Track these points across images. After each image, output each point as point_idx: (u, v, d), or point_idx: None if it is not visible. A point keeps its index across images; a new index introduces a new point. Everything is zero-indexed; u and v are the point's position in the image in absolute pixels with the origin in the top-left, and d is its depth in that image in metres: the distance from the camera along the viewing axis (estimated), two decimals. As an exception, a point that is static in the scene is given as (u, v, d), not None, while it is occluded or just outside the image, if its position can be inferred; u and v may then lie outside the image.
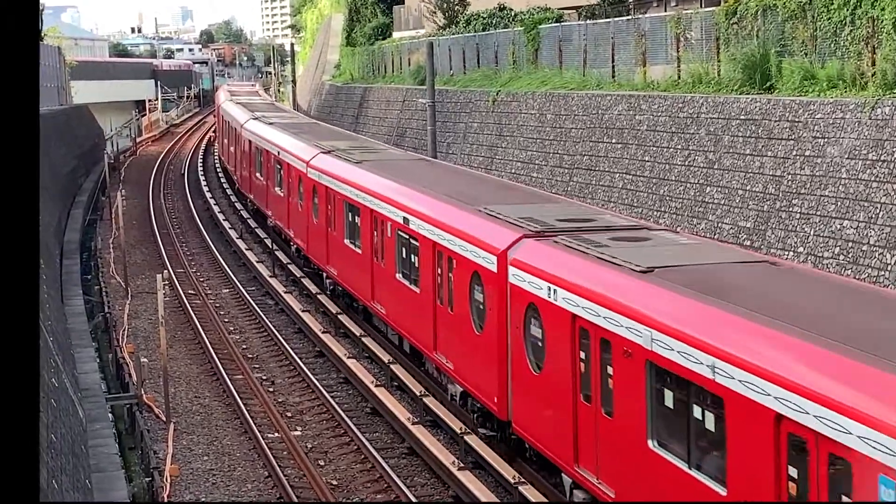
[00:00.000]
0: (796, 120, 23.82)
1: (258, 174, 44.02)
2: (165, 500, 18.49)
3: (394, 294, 24.46)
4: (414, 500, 19.16)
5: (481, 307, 19.21)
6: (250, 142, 47.08)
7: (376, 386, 24.52)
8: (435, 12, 57.16)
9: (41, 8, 70.73)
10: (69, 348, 23.56)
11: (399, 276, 23.93)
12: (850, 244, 21.15)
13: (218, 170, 70.27)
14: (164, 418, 22.92)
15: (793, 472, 11.08)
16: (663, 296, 13.98)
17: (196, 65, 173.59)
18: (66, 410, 16.46)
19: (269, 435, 22.90)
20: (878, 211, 20.83)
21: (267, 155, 41.56)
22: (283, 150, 38.14)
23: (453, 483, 19.18)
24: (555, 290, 16.26)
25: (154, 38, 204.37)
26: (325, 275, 31.83)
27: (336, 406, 24.15)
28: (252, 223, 48.10)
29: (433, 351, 22.00)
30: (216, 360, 28.03)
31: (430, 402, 23.03)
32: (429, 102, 38.78)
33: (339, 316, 30.65)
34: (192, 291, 36.30)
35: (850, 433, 10.18)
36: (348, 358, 26.79)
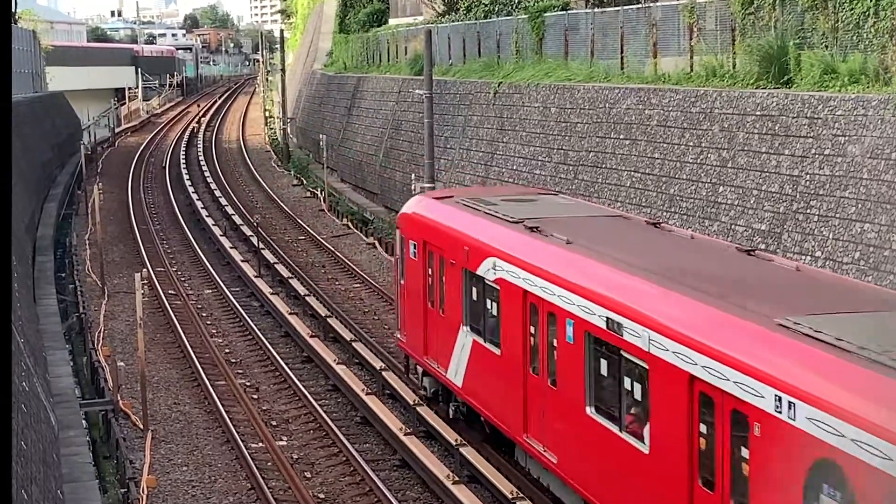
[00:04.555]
0: (815, 116, 23.84)
1: None
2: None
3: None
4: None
5: None
6: None
7: (367, 394, 24.53)
8: (434, -2, 57.21)
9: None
10: (41, 351, 23.56)
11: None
12: (872, 249, 21.17)
13: (201, 161, 70.27)
14: (141, 426, 22.92)
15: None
16: None
17: (179, 51, 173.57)
18: (37, 416, 16.47)
19: (253, 445, 22.90)
20: (901, 214, 20.85)
21: None
22: None
23: (448, 498, 19.20)
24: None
25: (135, 23, 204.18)
26: None
27: (324, 415, 24.16)
28: (237, 220, 48.12)
29: None
30: (197, 364, 28.04)
31: (423, 411, 23.04)
32: (426, 94, 38.80)
33: (329, 319, 30.67)
34: (173, 291, 36.30)
35: None
36: (337, 364, 26.81)
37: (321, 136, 58.23)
